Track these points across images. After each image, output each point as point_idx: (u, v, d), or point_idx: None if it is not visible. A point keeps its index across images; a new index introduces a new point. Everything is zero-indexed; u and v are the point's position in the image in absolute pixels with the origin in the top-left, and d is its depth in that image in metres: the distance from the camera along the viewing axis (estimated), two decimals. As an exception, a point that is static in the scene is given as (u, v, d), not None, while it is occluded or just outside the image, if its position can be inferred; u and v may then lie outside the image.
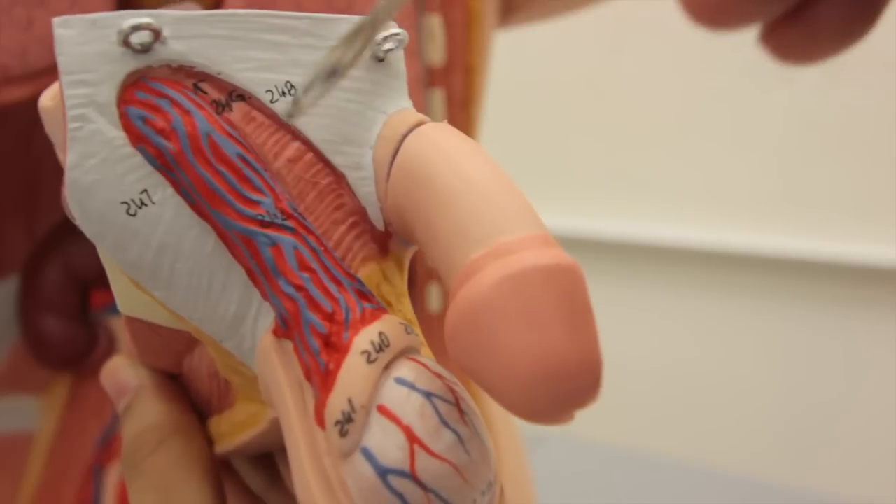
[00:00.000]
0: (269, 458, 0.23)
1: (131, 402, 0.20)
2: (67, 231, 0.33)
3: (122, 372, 0.21)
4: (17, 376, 0.33)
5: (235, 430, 0.19)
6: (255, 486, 0.23)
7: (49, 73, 0.27)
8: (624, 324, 1.17)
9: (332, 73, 0.16)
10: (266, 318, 0.17)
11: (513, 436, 0.41)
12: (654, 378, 1.16)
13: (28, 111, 0.31)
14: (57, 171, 0.34)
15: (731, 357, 1.14)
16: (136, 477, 0.19)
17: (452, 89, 0.36)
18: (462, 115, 0.36)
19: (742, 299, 1.14)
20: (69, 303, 0.33)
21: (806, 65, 0.15)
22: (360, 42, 0.16)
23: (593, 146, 1.20)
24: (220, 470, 0.20)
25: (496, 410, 0.37)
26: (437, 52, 0.35)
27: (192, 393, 0.21)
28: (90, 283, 0.33)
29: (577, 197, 1.20)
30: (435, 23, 0.34)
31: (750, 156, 1.10)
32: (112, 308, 0.34)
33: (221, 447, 0.20)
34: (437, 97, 0.35)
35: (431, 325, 0.34)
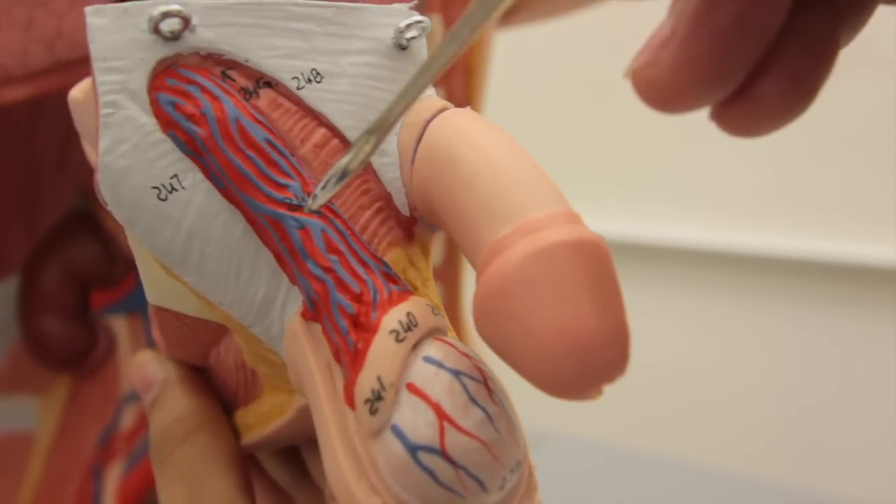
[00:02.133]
0: (296, 453, 0.23)
1: (158, 395, 0.21)
2: (67, 231, 0.33)
3: (148, 365, 0.21)
4: (17, 376, 0.33)
5: (262, 421, 0.20)
6: (282, 482, 0.23)
7: (49, 73, 0.27)
8: (624, 324, 1.17)
9: (344, 175, 0.16)
10: (294, 302, 0.17)
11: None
12: (654, 378, 1.16)
13: (28, 111, 0.31)
14: (57, 170, 0.34)
15: (731, 357, 1.14)
16: (164, 469, 0.19)
17: (452, 89, 0.36)
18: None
19: (741, 299, 1.14)
20: (69, 303, 0.33)
21: (753, 137, 0.16)
22: (369, 146, 0.16)
23: (593, 146, 1.20)
24: (248, 464, 0.20)
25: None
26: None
27: (218, 385, 0.21)
28: (90, 283, 0.33)
29: (577, 197, 1.19)
30: (435, 23, 0.34)
31: (749, 156, 1.10)
32: (112, 308, 0.34)
33: (248, 439, 0.20)
34: (438, 97, 0.35)
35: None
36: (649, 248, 1.17)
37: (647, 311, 1.19)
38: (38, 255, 0.33)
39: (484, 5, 0.14)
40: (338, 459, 0.15)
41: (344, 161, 0.16)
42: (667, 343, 1.17)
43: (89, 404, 0.33)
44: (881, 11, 0.16)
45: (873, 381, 1.05)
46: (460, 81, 0.36)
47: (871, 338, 1.05)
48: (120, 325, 0.34)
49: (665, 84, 0.15)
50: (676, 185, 1.15)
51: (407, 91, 0.16)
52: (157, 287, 0.19)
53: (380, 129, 0.16)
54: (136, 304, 0.34)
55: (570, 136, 1.20)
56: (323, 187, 0.16)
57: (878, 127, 1.00)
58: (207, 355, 0.21)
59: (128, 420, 0.34)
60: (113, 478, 0.33)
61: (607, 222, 1.17)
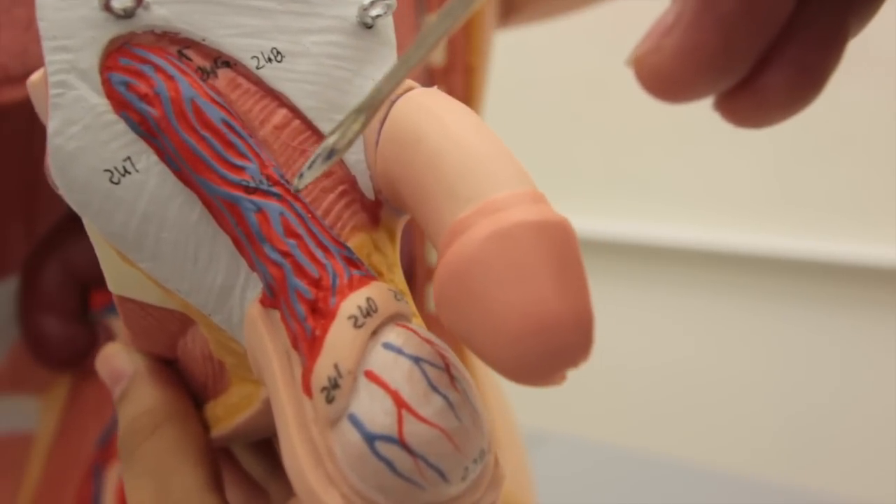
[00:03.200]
0: (269, 445, 0.22)
1: (127, 388, 0.20)
2: (67, 231, 0.33)
3: (117, 358, 0.21)
4: (17, 376, 0.33)
5: (230, 412, 0.19)
6: (256, 474, 0.23)
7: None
8: (624, 324, 1.17)
9: (331, 154, 0.16)
10: (254, 289, 0.16)
11: (511, 430, 0.41)
12: (654, 378, 1.16)
13: (28, 111, 0.31)
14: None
15: (731, 357, 1.14)
16: (132, 462, 0.19)
17: (452, 89, 0.36)
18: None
19: (741, 299, 1.14)
20: (69, 303, 0.33)
21: (758, 128, 0.15)
22: (357, 125, 0.16)
23: (593, 146, 1.20)
24: (220, 457, 0.20)
25: (495, 404, 0.37)
26: (437, 52, 0.35)
27: (188, 378, 0.21)
28: (90, 283, 0.33)
29: (577, 197, 1.20)
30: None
31: (749, 156, 1.10)
32: (112, 308, 0.34)
33: (217, 431, 0.20)
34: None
35: (430, 325, 0.34)
36: (649, 248, 1.17)
37: (646, 311, 1.19)
38: (38, 255, 0.33)
39: None
40: (295, 450, 0.15)
41: (331, 140, 0.16)
42: (667, 343, 1.17)
43: (89, 404, 0.33)
44: (882, 9, 0.16)
45: (873, 381, 1.05)
46: (460, 81, 0.36)
47: (871, 338, 1.05)
48: (120, 326, 0.34)
49: (668, 72, 0.14)
50: (676, 185, 1.15)
51: (397, 68, 0.16)
52: (116, 275, 0.18)
53: (369, 108, 0.16)
54: (136, 304, 0.34)
55: (570, 135, 1.20)
56: (310, 167, 0.16)
57: (878, 127, 1.00)
58: (174, 346, 0.20)
59: (128, 420, 0.34)
60: (113, 478, 0.33)
61: (607, 222, 1.17)
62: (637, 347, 1.17)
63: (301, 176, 0.16)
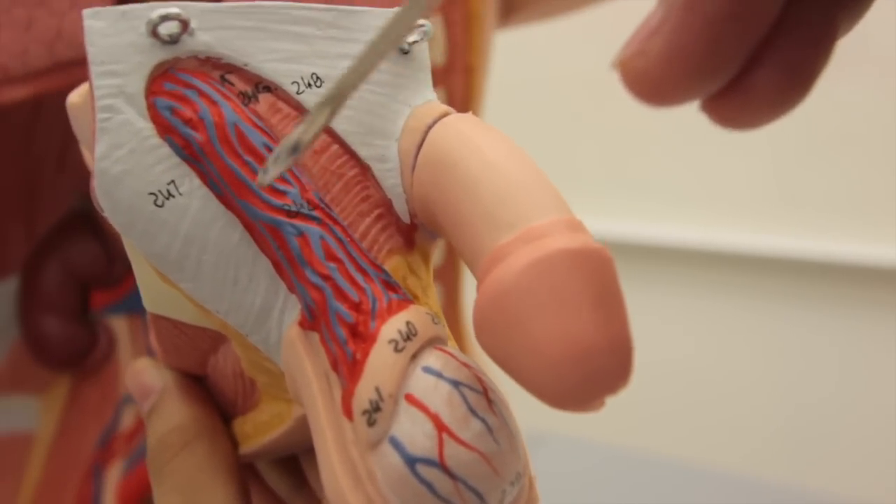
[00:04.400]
0: (295, 461, 0.22)
1: (156, 403, 0.20)
2: (67, 231, 0.33)
3: (146, 374, 0.21)
4: (17, 376, 0.33)
5: (260, 430, 0.19)
6: (281, 491, 0.23)
7: (49, 73, 0.27)
8: (624, 324, 1.17)
9: (296, 147, 0.16)
10: (292, 311, 0.17)
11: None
12: (654, 378, 1.16)
13: (28, 111, 0.31)
14: (57, 171, 0.34)
15: (731, 357, 1.14)
16: (162, 479, 0.19)
17: (452, 89, 0.36)
18: (462, 115, 0.36)
19: (741, 299, 1.14)
20: (69, 303, 0.33)
21: (747, 130, 0.15)
22: (322, 118, 0.16)
23: (593, 146, 1.20)
24: (246, 473, 0.20)
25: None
26: (437, 53, 0.35)
27: (216, 394, 0.21)
28: (90, 283, 0.33)
29: (577, 197, 1.20)
30: (435, 23, 0.34)
31: (749, 156, 1.10)
32: (112, 308, 0.34)
33: (246, 448, 0.20)
34: (438, 97, 0.35)
35: None
36: (649, 248, 1.17)
37: (647, 311, 1.19)
38: (38, 255, 0.33)
39: None
40: (335, 471, 0.15)
41: (296, 133, 0.16)
42: (667, 343, 1.17)
43: (89, 404, 0.33)
44: (880, 6, 0.16)
45: (873, 381, 1.05)
46: (460, 81, 0.36)
47: (871, 338, 1.05)
48: (120, 326, 0.34)
49: (654, 75, 0.14)
50: (676, 185, 1.15)
51: (365, 58, 0.16)
52: (153, 294, 0.19)
53: (335, 100, 0.16)
54: (136, 304, 0.34)
55: (570, 135, 1.20)
56: (275, 161, 0.16)
57: (878, 127, 1.00)
58: (205, 364, 0.21)
59: (128, 420, 0.34)
60: (113, 478, 0.33)
61: (607, 222, 1.17)
62: (637, 347, 1.17)
63: (266, 171, 0.16)
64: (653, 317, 1.18)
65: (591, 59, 1.21)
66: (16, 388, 0.33)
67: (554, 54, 1.16)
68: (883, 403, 1.02)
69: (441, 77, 0.35)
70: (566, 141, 1.20)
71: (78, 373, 0.34)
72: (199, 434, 0.19)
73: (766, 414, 1.11)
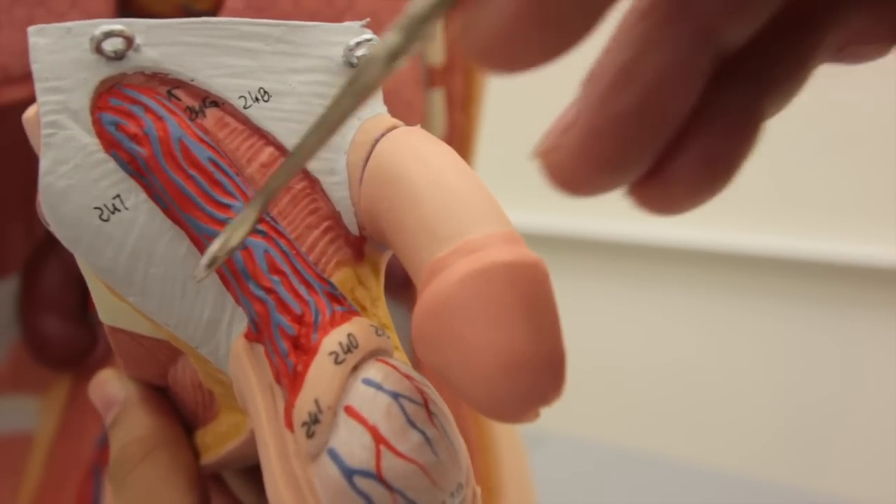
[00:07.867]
0: (259, 472, 0.23)
1: (118, 414, 0.21)
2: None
3: (109, 385, 0.21)
4: (17, 376, 0.33)
5: (219, 440, 0.19)
6: (246, 500, 0.23)
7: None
8: (623, 323, 1.17)
9: (212, 262, 0.15)
10: (240, 323, 0.17)
11: (512, 436, 0.41)
12: (654, 378, 1.16)
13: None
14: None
15: (731, 357, 1.14)
16: (122, 489, 0.19)
17: (452, 89, 0.36)
18: (462, 115, 0.36)
19: (741, 299, 1.14)
20: (69, 303, 0.33)
21: (671, 215, 0.15)
22: (250, 220, 0.15)
23: (593, 146, 1.20)
24: (210, 484, 0.20)
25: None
26: (437, 53, 0.35)
27: (178, 405, 0.21)
28: (90, 283, 0.33)
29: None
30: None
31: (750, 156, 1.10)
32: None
33: (207, 459, 0.20)
34: (438, 97, 0.35)
35: None
36: (649, 248, 1.17)
37: (646, 311, 1.19)
38: (38, 255, 0.33)
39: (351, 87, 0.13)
40: (277, 483, 0.15)
41: (214, 247, 0.15)
42: (667, 343, 1.17)
43: (89, 404, 0.33)
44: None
45: (873, 381, 1.05)
46: (460, 81, 0.36)
47: (871, 338, 1.05)
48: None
49: (568, 170, 0.14)
50: (676, 185, 1.15)
51: (291, 161, 0.15)
52: (107, 307, 0.19)
53: (263, 196, 0.15)
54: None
55: (570, 136, 1.20)
56: (208, 265, 0.15)
57: (878, 127, 1.00)
58: (165, 374, 0.21)
59: (128, 420, 0.34)
60: (113, 478, 0.33)
61: (607, 222, 1.17)
62: (637, 347, 1.17)
63: (195, 277, 0.16)
64: (653, 317, 1.18)
65: (590, 58, 1.21)
66: (16, 388, 0.33)
67: (554, 54, 1.16)
68: (883, 403, 1.02)
69: (441, 77, 0.35)
70: (566, 141, 1.20)
71: (78, 373, 0.34)
72: (160, 445, 0.19)
73: (766, 414, 1.11)
